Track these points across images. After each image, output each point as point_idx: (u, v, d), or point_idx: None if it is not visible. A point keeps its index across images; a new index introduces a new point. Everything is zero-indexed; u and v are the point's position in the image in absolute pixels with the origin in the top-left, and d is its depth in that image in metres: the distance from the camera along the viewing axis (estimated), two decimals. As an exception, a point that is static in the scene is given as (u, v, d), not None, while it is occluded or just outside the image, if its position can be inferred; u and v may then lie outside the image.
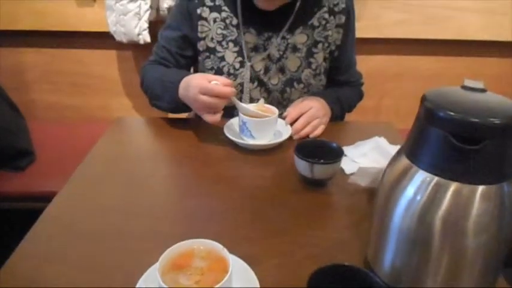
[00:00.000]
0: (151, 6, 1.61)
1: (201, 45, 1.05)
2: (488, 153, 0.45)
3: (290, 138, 0.94)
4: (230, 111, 1.05)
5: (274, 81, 1.07)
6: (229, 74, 1.05)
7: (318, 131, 0.99)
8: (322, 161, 0.78)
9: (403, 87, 1.90)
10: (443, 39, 1.76)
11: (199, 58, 1.08)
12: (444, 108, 0.46)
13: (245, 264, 0.57)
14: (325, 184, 0.80)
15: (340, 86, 1.16)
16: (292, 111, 0.99)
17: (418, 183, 0.50)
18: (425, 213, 0.49)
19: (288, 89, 1.08)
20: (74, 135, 1.60)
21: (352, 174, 0.82)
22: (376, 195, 0.57)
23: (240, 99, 1.05)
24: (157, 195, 0.79)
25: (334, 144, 0.82)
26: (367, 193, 0.78)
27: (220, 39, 1.04)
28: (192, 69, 1.18)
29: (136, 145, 1.01)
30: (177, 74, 0.97)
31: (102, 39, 1.72)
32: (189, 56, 1.09)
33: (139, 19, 1.61)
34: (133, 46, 1.74)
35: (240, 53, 1.04)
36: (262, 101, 1.00)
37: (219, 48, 1.04)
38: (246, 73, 1.04)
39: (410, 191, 0.50)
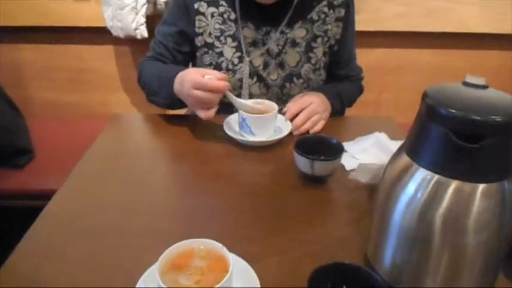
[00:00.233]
0: (148, 1, 1.60)
1: (198, 41, 1.04)
2: (489, 151, 0.45)
3: (290, 134, 0.94)
4: (229, 108, 1.05)
5: (274, 76, 1.06)
6: (228, 70, 1.04)
7: (318, 126, 0.98)
8: (322, 157, 0.77)
9: (403, 80, 1.89)
10: (443, 32, 1.75)
11: (197, 54, 1.07)
12: (445, 105, 0.46)
13: (245, 263, 0.57)
14: (325, 181, 0.80)
15: (340, 81, 1.15)
16: (292, 106, 0.99)
17: (419, 181, 0.49)
18: (426, 210, 0.49)
19: (287, 85, 1.07)
20: (73, 131, 1.59)
21: (352, 170, 0.82)
22: (377, 192, 0.57)
23: (239, 95, 1.05)
24: (157, 193, 0.79)
25: (334, 140, 0.81)
26: (367, 189, 0.78)
27: (219, 34, 1.03)
28: (190, 65, 1.17)
29: (135, 142, 1.01)
30: (173, 69, 0.96)
31: (99, 34, 1.71)
32: (186, 52, 1.08)
33: (136, 13, 1.60)
34: (131, 41, 1.72)
35: (238, 48, 1.03)
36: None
37: (217, 43, 1.03)
38: (245, 68, 1.04)
39: (410, 188, 0.50)
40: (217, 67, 1.04)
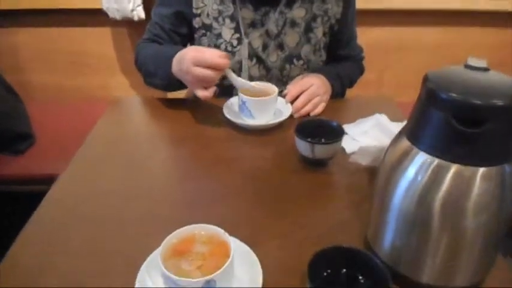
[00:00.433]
0: (144, -19, 1.57)
1: (196, 22, 1.03)
2: (490, 135, 0.44)
3: (291, 117, 0.93)
4: (229, 90, 1.04)
5: (273, 58, 1.05)
6: (226, 52, 1.02)
7: (319, 109, 0.98)
8: (323, 140, 0.77)
9: (404, 59, 1.87)
10: (446, 10, 1.72)
11: (195, 36, 1.05)
12: (446, 89, 0.45)
13: (246, 247, 0.58)
14: (325, 164, 0.80)
15: (341, 61, 1.14)
16: (292, 89, 0.98)
17: (419, 164, 0.49)
18: (426, 194, 0.49)
19: (287, 66, 1.06)
20: (73, 115, 1.59)
21: (353, 153, 0.82)
22: (377, 176, 0.57)
23: (239, 78, 1.04)
24: (157, 178, 0.79)
25: (335, 123, 0.81)
26: (368, 172, 0.78)
27: (217, 15, 1.01)
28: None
29: (135, 126, 1.00)
30: (172, 50, 0.94)
31: (96, 16, 1.68)
32: (183, 34, 1.06)
33: (133, -6, 1.57)
34: (128, 23, 1.70)
35: (237, 29, 1.01)
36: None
37: (215, 24, 1.02)
38: (244, 50, 1.02)
39: (410, 172, 0.50)
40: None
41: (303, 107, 0.96)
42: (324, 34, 1.06)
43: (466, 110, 0.44)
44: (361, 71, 1.20)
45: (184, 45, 1.12)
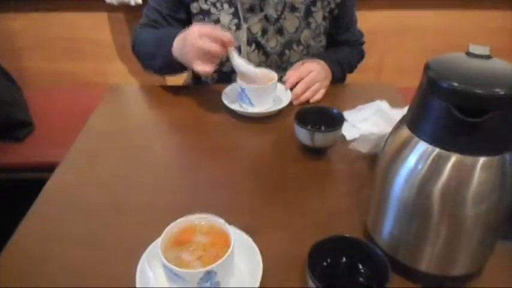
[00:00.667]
0: (141, -36, 1.54)
1: (194, 8, 1.01)
2: (491, 125, 0.44)
3: (290, 104, 0.93)
4: (228, 77, 1.03)
5: (273, 43, 1.03)
6: (225, 38, 1.01)
7: (319, 95, 0.97)
8: (322, 128, 0.77)
9: (405, 43, 1.84)
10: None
11: (193, 21, 1.03)
12: (447, 78, 0.45)
13: (246, 236, 0.58)
14: (325, 152, 0.79)
15: (341, 46, 1.12)
16: (291, 75, 0.97)
17: (419, 154, 0.49)
18: (426, 183, 0.49)
19: (287, 52, 1.04)
20: (71, 102, 1.58)
21: (353, 140, 0.82)
22: (377, 165, 0.57)
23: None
24: (157, 167, 0.79)
25: (335, 111, 0.80)
26: (368, 160, 0.77)
27: (215, 0, 0.99)
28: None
29: (133, 114, 1.00)
30: (174, 30, 0.92)
31: (93, 1, 1.66)
32: (181, 19, 1.04)
33: (130, -22, 1.54)
34: (125, 8, 1.67)
35: (235, 14, 0.99)
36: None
37: (213, 10, 1.00)
38: (242, 36, 1.01)
39: (411, 161, 0.50)
40: (215, 35, 1.01)
41: (302, 94, 0.95)
42: (324, 19, 1.04)
43: (467, 100, 0.44)
44: (361, 56, 1.18)
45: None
